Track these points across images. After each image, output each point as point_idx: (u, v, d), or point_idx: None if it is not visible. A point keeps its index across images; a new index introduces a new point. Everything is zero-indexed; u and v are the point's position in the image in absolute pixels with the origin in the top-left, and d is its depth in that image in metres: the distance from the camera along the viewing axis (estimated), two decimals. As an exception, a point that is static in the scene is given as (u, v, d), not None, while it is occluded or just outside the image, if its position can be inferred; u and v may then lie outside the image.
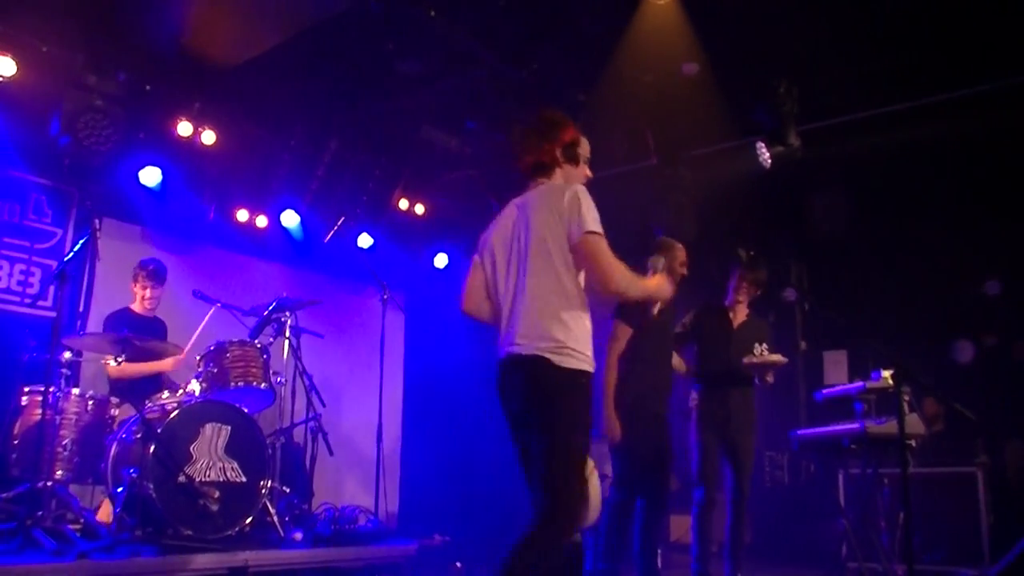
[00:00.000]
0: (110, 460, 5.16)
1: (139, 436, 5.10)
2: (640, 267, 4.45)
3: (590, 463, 3.30)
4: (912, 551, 4.37)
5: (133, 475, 4.83)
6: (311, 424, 6.30)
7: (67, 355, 5.32)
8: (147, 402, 5.36)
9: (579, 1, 6.19)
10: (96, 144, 6.21)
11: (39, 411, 5.01)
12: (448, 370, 8.92)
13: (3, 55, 5.84)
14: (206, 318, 6.21)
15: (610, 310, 4.94)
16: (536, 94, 7.07)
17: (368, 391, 7.27)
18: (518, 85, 6.91)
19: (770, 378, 5.37)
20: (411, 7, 5.98)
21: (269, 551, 5.07)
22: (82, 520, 4.95)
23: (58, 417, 5.10)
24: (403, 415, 8.95)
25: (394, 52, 6.46)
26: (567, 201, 3.26)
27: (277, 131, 7.62)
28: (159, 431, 4.94)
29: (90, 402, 5.36)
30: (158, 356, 5.89)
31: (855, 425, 5.21)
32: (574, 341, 3.22)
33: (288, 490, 5.97)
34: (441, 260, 8.99)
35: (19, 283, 6.59)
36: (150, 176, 6.78)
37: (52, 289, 6.46)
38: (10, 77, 5.91)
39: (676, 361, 5.31)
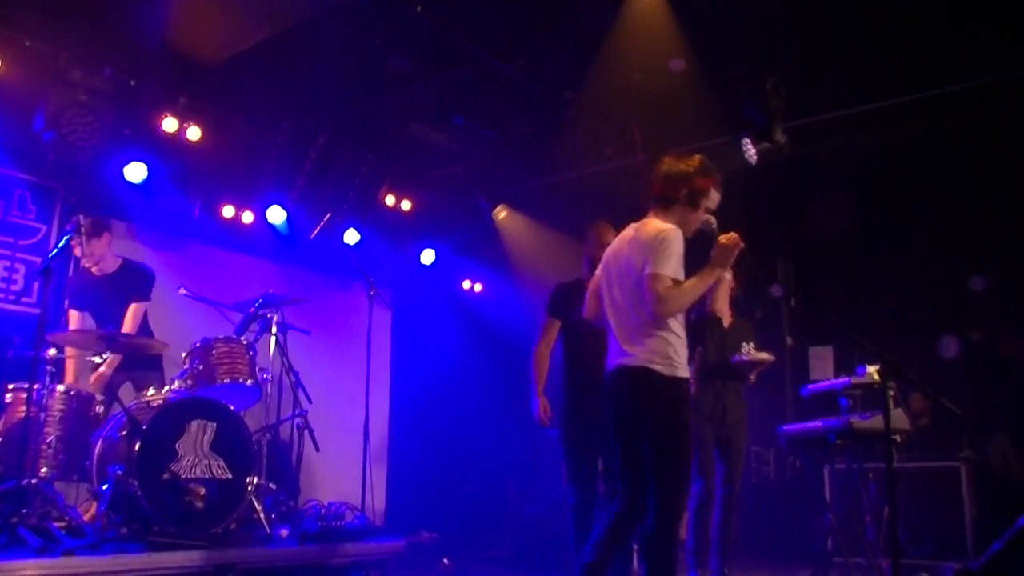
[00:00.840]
0: (95, 457, 5.13)
1: (124, 433, 5.07)
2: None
3: None
4: (897, 545, 4.39)
5: (118, 472, 4.80)
6: (297, 421, 6.28)
7: (52, 352, 5.29)
8: (133, 399, 5.33)
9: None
10: (81, 140, 6.17)
11: (23, 408, 4.98)
12: (435, 366, 8.93)
13: (-14, 50, 5.81)
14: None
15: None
16: (524, 90, 7.07)
17: (355, 387, 7.25)
18: (506, 81, 6.91)
19: (753, 377, 5.49)
20: (400, 3, 5.96)
21: (256, 548, 5.05)
22: (67, 518, 4.90)
23: (43, 414, 5.06)
24: (390, 411, 8.94)
25: (382, 48, 6.44)
26: (654, 239, 3.76)
27: (264, 127, 7.59)
28: (144, 428, 4.91)
29: (75, 399, 5.33)
30: (144, 352, 5.84)
31: (841, 420, 5.23)
32: (672, 352, 3.77)
33: (275, 487, 5.95)
34: (428, 256, 8.99)
35: (3, 279, 6.55)
36: (135, 172, 6.74)
37: (36, 285, 6.41)
38: (-7, 73, 5.87)
39: None
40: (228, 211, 7.62)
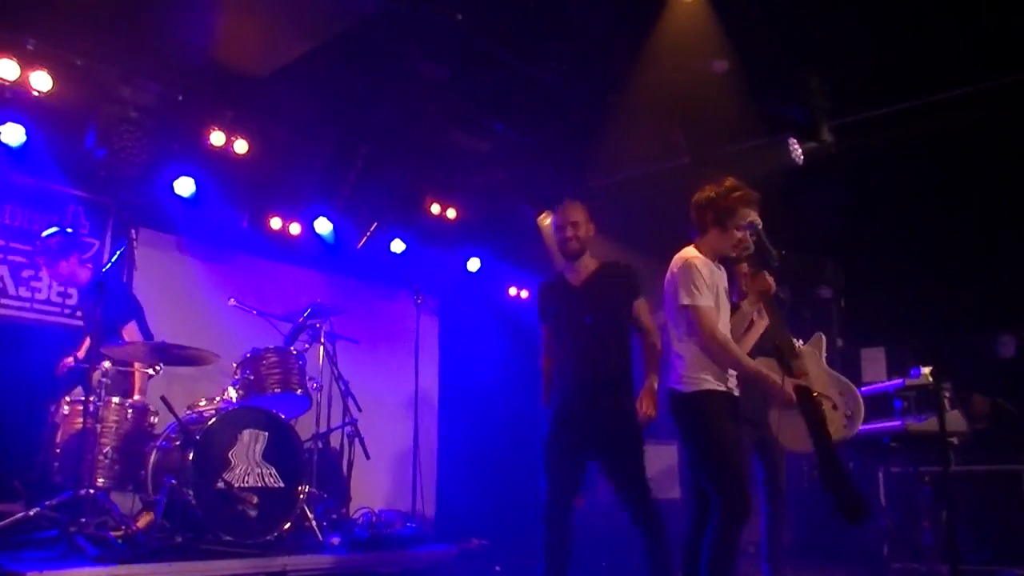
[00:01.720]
0: (150, 467, 5.22)
1: (178, 443, 5.16)
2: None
3: None
4: (956, 551, 4.29)
5: (172, 482, 4.88)
6: (347, 429, 6.33)
7: (106, 364, 5.39)
8: (186, 409, 5.41)
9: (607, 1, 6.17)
10: (131, 156, 6.28)
11: (80, 420, 5.08)
12: (482, 373, 8.92)
13: (39, 70, 5.93)
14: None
15: None
16: (565, 95, 7.05)
17: (404, 395, 7.30)
18: (547, 87, 6.90)
19: None
20: (436, 10, 5.99)
21: (307, 556, 5.10)
22: (123, 527, 5.00)
23: (98, 426, 5.15)
24: (439, 419, 8.96)
25: (420, 56, 6.47)
26: (679, 270, 4.04)
27: (308, 138, 7.66)
28: (198, 438, 4.99)
29: (130, 410, 5.42)
30: (195, 363, 5.92)
31: (895, 423, 5.14)
32: (683, 368, 4.02)
33: (325, 495, 6.00)
34: (474, 264, 8.99)
35: (59, 294, 6.69)
36: (184, 186, 6.84)
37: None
38: (46, 92, 5.98)
39: None
40: (276, 223, 7.71)
